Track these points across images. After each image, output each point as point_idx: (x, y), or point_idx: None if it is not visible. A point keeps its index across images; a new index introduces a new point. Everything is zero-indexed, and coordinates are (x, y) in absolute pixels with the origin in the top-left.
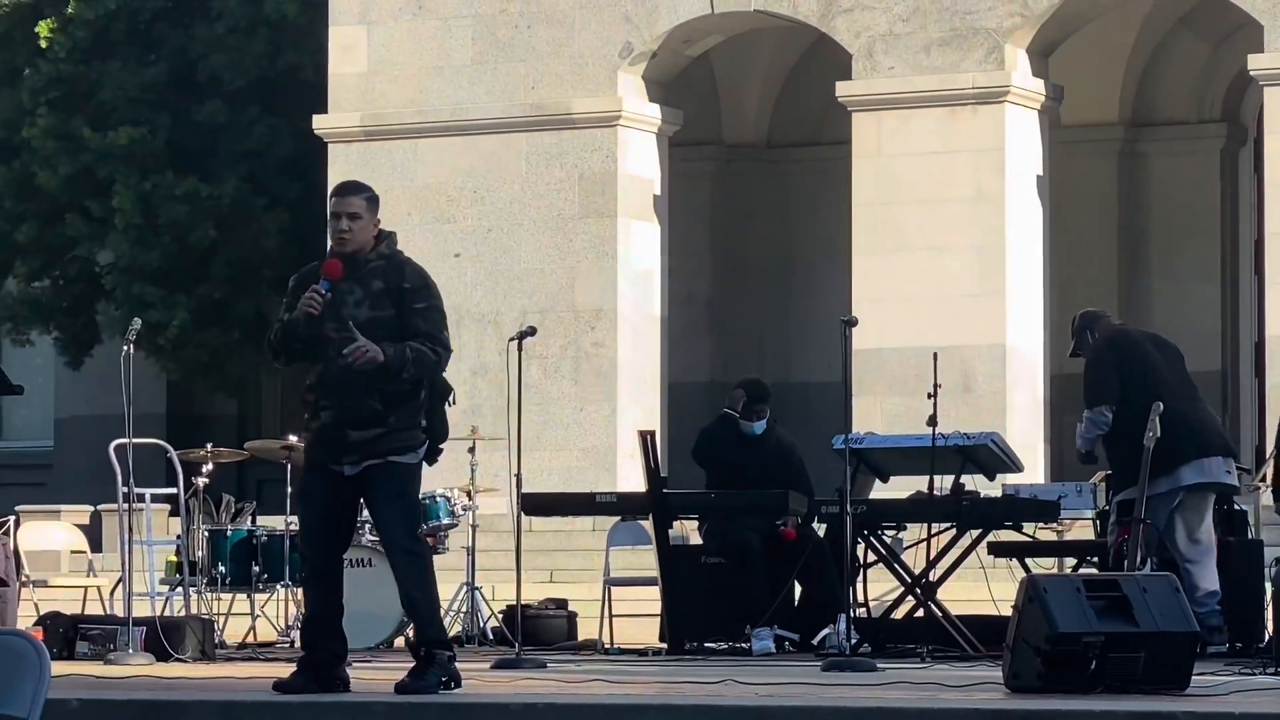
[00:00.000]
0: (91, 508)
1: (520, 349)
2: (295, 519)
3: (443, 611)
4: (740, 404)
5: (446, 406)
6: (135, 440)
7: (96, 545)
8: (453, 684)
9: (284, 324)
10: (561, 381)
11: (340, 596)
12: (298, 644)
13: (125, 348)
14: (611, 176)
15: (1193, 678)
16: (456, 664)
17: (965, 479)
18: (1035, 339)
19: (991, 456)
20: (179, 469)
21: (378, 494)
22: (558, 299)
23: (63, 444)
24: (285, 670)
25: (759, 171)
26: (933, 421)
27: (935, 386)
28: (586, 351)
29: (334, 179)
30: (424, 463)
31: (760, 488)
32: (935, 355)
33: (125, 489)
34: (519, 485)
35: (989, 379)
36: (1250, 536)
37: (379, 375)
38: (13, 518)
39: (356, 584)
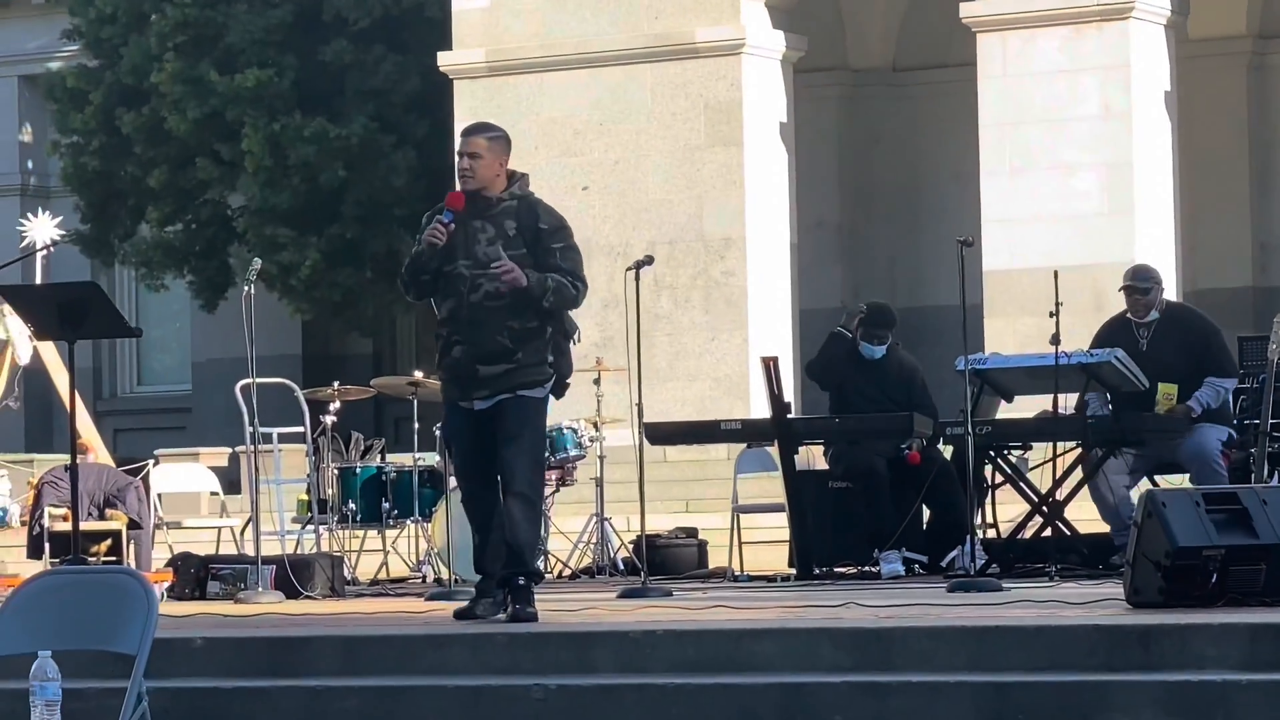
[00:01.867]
0: (230, 450)
1: (638, 278)
2: (424, 455)
3: (572, 542)
4: (857, 323)
5: (571, 344)
6: (261, 380)
7: (235, 487)
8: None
9: (413, 257)
10: (692, 311)
11: (491, 522)
12: (429, 579)
13: (246, 288)
14: (737, 105)
15: None
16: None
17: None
18: (1166, 256)
19: (1115, 374)
20: (305, 408)
21: (506, 427)
22: (686, 229)
23: (200, 387)
24: (414, 605)
25: (885, 96)
26: (1055, 340)
27: (1057, 304)
28: (716, 281)
29: (460, 116)
30: (551, 397)
31: (882, 411)
32: (1055, 274)
33: (252, 429)
34: (640, 415)
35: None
36: None
37: (511, 311)
38: (151, 461)
39: None
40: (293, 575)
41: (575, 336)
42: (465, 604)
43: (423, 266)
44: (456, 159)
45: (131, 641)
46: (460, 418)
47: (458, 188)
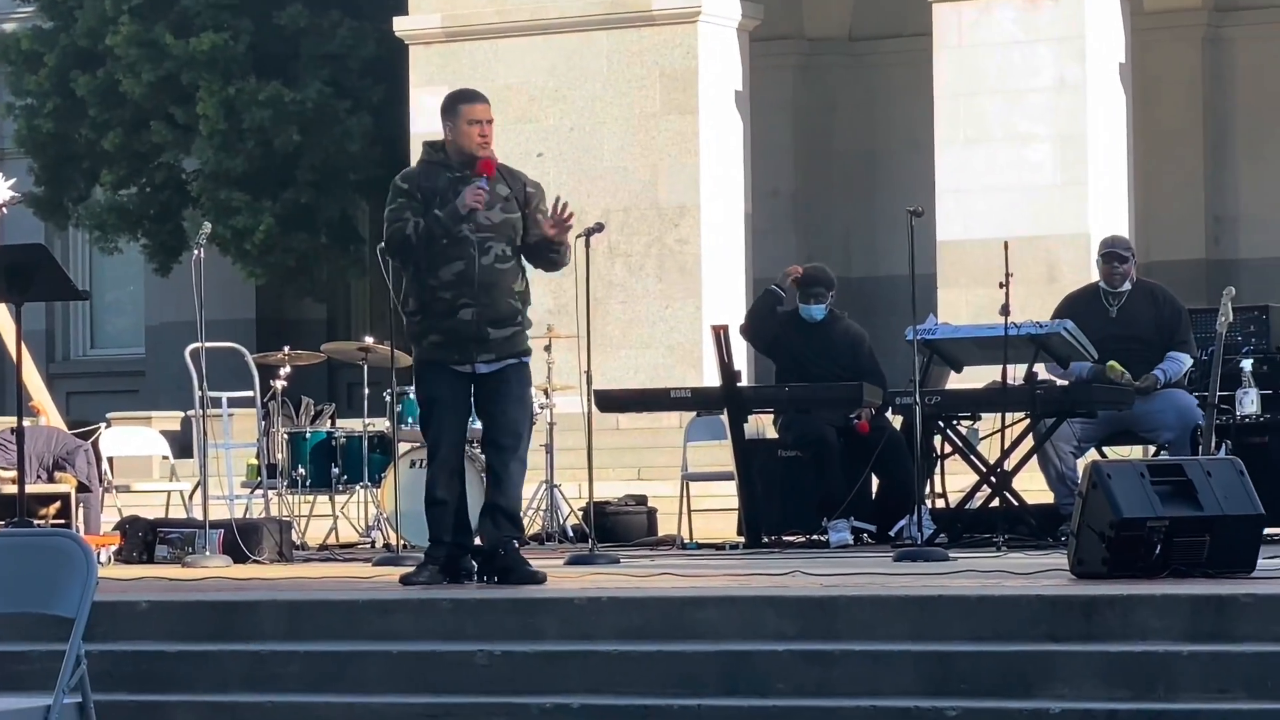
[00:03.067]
0: (182, 414)
1: (589, 245)
2: (374, 421)
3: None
4: (790, 282)
5: None
6: (210, 344)
7: (187, 451)
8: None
9: (436, 219)
10: (646, 279)
11: (465, 490)
12: (378, 544)
13: (196, 252)
14: (693, 73)
15: (1259, 560)
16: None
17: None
18: (1119, 228)
19: (1065, 344)
20: (255, 373)
21: (508, 392)
22: (641, 197)
23: (154, 351)
24: (361, 571)
25: (841, 65)
26: (1005, 310)
27: (1007, 275)
28: (670, 248)
29: (415, 81)
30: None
31: (827, 379)
32: (1006, 245)
33: (201, 393)
34: (589, 382)
35: (1073, 269)
36: None
37: (513, 274)
38: (101, 425)
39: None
40: (240, 540)
41: None
42: (411, 569)
43: (447, 230)
44: (468, 125)
45: (70, 604)
46: (452, 381)
47: (478, 155)
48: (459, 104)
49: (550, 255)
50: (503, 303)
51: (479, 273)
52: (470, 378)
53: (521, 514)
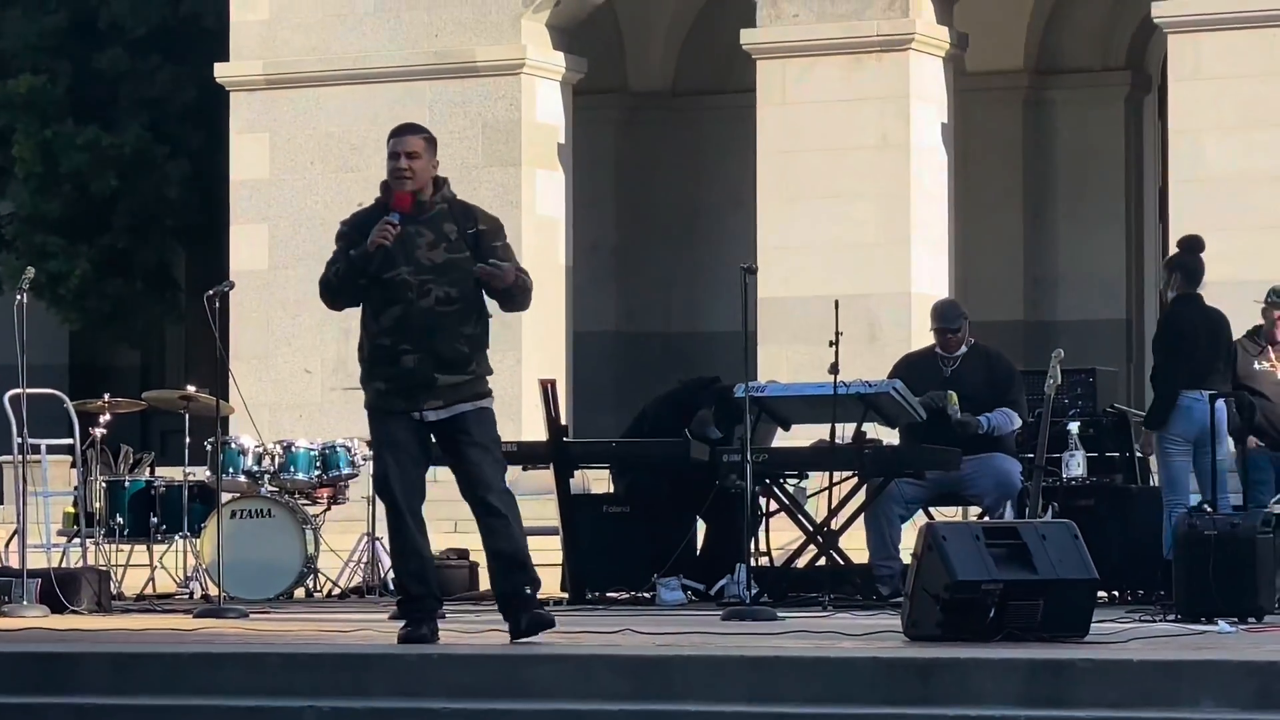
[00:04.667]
0: None
1: None
2: (194, 470)
3: (344, 561)
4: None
5: None
6: (30, 390)
7: (4, 498)
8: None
9: (350, 260)
10: None
11: (428, 543)
12: (196, 594)
13: (19, 297)
14: (516, 125)
15: (1092, 625)
16: None
17: (868, 427)
18: (941, 287)
19: (893, 404)
20: (74, 419)
21: (473, 439)
22: None
23: None
24: (184, 623)
25: (665, 120)
26: (834, 369)
27: (836, 334)
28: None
29: (235, 127)
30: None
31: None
32: (836, 303)
33: (20, 440)
34: None
35: (895, 327)
36: (1152, 484)
37: (461, 317)
38: None
39: (258, 534)
40: (58, 589)
41: None
42: (408, 629)
43: (362, 270)
44: (390, 159)
45: None
46: (404, 427)
47: (386, 184)
48: (388, 138)
49: (496, 298)
50: (447, 347)
51: (418, 316)
52: (423, 425)
53: (529, 555)
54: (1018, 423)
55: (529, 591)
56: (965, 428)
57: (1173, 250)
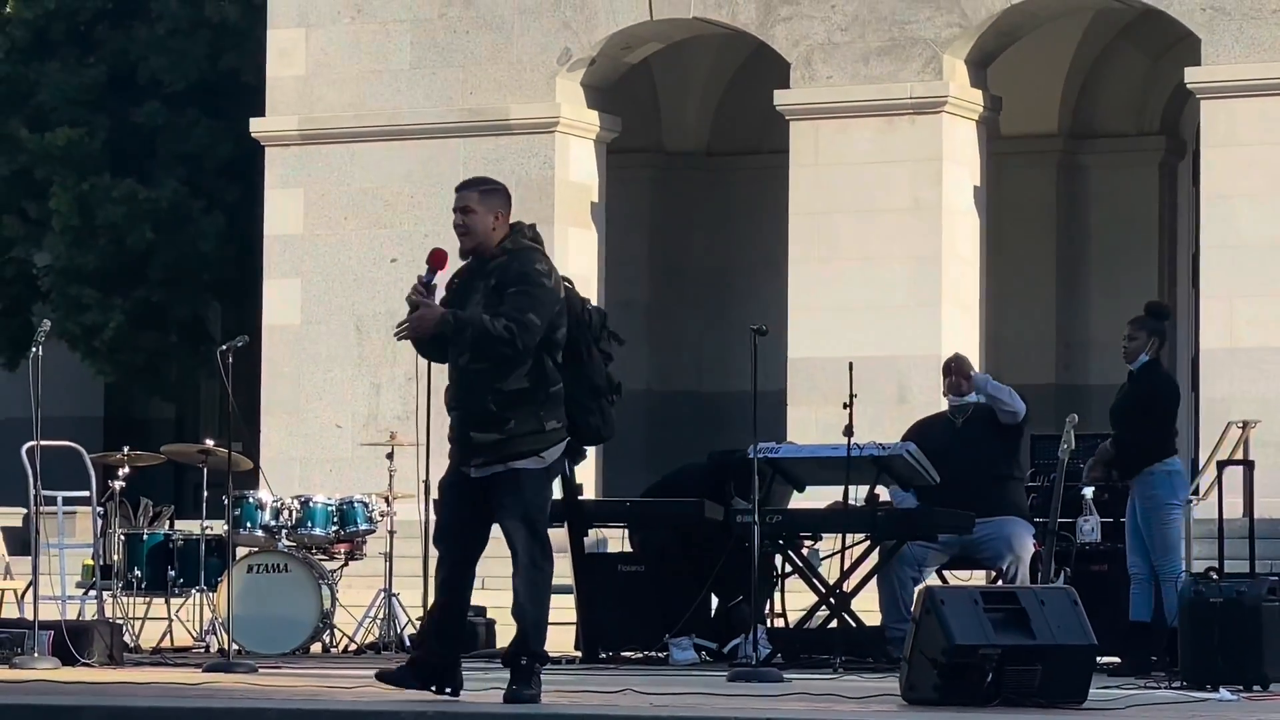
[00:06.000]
0: (22, 510)
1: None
2: (211, 524)
3: (361, 617)
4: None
5: (607, 401)
6: (48, 443)
7: (28, 548)
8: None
9: None
10: None
11: (463, 601)
12: (213, 648)
13: (34, 349)
14: (549, 183)
15: (1091, 691)
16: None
17: (881, 489)
18: (970, 350)
19: (907, 467)
20: (92, 472)
21: (501, 502)
22: None
23: None
24: (191, 676)
25: (698, 179)
26: (848, 431)
27: (851, 396)
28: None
29: (270, 183)
30: (566, 461)
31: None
32: (851, 365)
33: (35, 492)
34: (427, 491)
35: (924, 389)
36: None
37: (495, 374)
38: None
39: (273, 589)
40: (70, 642)
41: (609, 396)
42: (393, 669)
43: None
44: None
45: None
46: (457, 478)
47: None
48: None
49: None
50: (476, 404)
51: (458, 374)
52: (470, 480)
53: (538, 626)
54: (1020, 406)
55: (523, 663)
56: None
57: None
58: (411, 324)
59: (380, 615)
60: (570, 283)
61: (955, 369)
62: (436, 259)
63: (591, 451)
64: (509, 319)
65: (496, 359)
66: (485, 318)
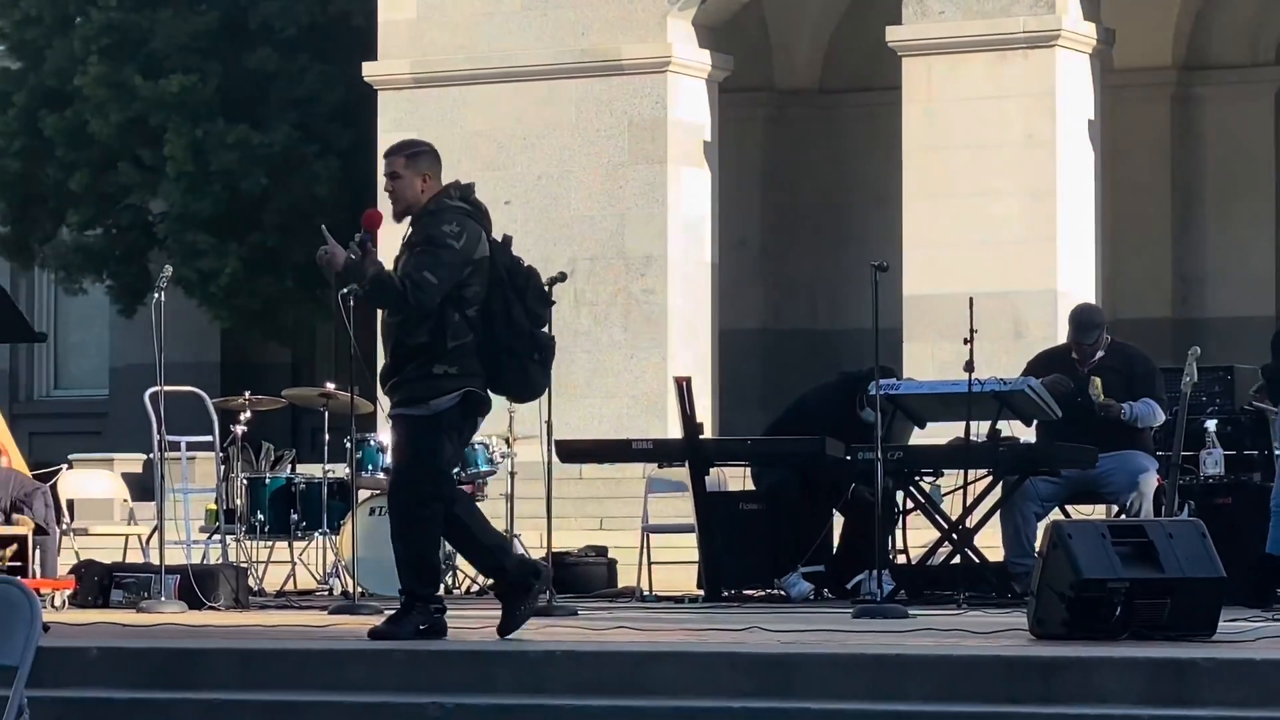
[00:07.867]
0: (144, 456)
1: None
2: (333, 467)
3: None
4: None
5: (529, 361)
6: (170, 388)
7: (149, 494)
8: (430, 633)
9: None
10: (612, 328)
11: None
12: (336, 591)
13: (157, 294)
14: (661, 123)
15: (1220, 624)
16: (443, 615)
17: (1003, 424)
18: (1087, 285)
19: (1028, 402)
20: (214, 417)
21: (394, 444)
22: (608, 246)
23: (118, 393)
24: (316, 619)
25: (810, 117)
26: (969, 367)
27: (971, 331)
28: (637, 298)
29: (383, 126)
30: (460, 411)
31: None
32: (971, 300)
33: (159, 437)
34: (549, 432)
35: (1040, 325)
36: None
37: (401, 327)
38: (62, 466)
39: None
40: (196, 585)
41: (537, 355)
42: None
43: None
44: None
45: (14, 652)
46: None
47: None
48: None
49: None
50: (390, 355)
51: (381, 327)
52: None
53: (408, 564)
54: (1161, 416)
55: (402, 600)
56: (1108, 411)
57: None
58: (320, 256)
59: None
60: (504, 241)
61: (1077, 335)
62: (370, 220)
63: (706, 390)
64: (405, 275)
65: (395, 312)
66: (386, 273)
